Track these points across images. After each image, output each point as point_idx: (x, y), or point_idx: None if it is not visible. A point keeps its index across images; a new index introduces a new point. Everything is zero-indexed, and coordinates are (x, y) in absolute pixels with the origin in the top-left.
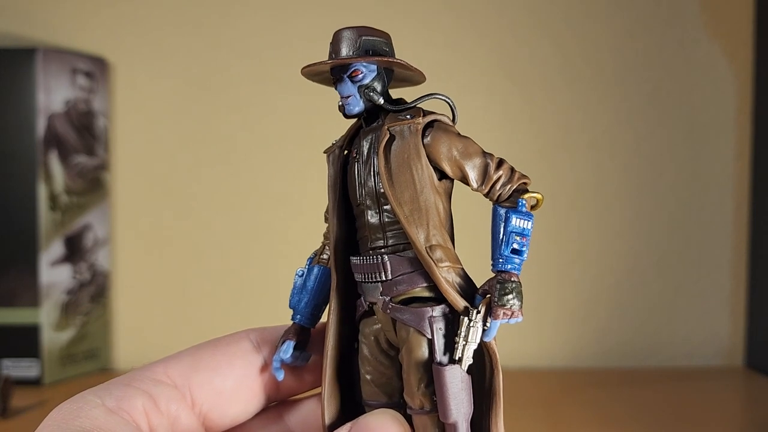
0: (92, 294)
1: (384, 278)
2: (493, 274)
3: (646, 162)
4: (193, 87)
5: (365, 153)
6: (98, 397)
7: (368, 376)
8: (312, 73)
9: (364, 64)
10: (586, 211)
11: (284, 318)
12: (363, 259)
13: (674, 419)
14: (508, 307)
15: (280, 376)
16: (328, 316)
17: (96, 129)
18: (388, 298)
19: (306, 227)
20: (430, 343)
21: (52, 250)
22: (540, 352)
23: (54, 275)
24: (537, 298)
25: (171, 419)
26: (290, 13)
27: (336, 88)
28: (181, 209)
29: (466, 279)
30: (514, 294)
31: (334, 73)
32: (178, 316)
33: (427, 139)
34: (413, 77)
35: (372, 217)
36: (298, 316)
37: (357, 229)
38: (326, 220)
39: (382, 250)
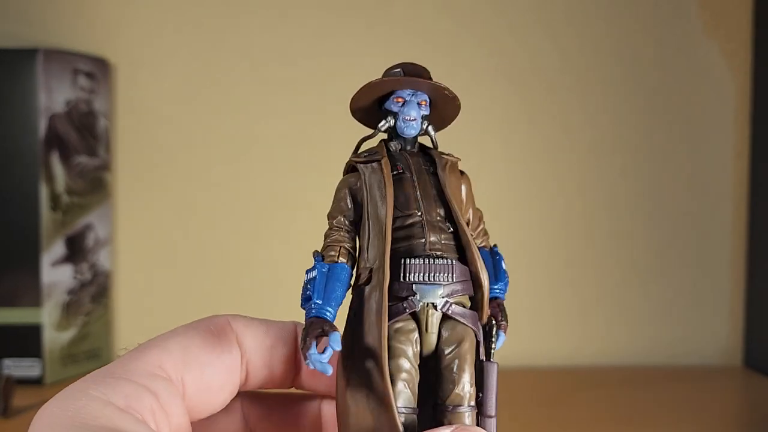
0: (93, 294)
1: (449, 281)
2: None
3: (646, 162)
4: (195, 88)
5: (416, 170)
6: (102, 394)
7: (405, 384)
8: (377, 88)
9: (426, 98)
10: (585, 211)
11: (289, 318)
12: (431, 261)
13: (673, 419)
14: (507, 324)
15: (330, 370)
16: (382, 318)
17: (97, 129)
18: (446, 300)
19: (310, 228)
20: (478, 345)
21: (53, 250)
22: (540, 351)
23: (55, 275)
24: (537, 297)
25: (170, 416)
26: (292, 13)
27: (400, 108)
28: (183, 209)
29: None
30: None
31: (405, 95)
32: (180, 316)
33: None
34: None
35: (431, 227)
36: (324, 310)
37: (406, 235)
38: (340, 224)
39: (445, 255)
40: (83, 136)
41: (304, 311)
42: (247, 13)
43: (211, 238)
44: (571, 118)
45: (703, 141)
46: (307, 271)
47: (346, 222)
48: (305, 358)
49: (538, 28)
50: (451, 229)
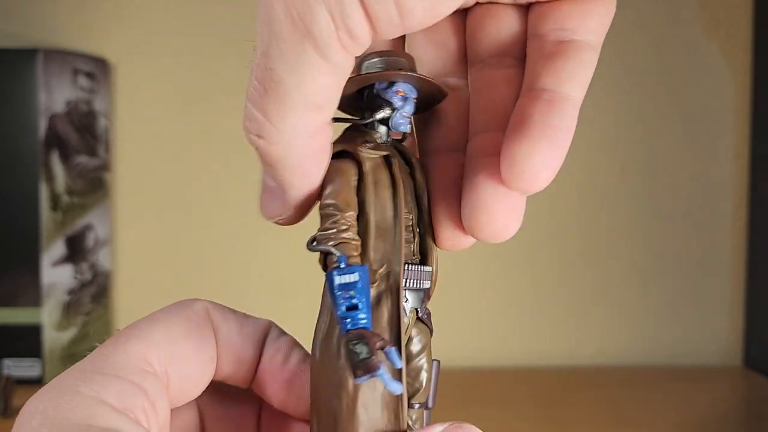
0: (93, 294)
1: (429, 286)
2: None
3: (645, 162)
4: (195, 87)
5: (402, 170)
6: (94, 392)
7: None
8: (377, 78)
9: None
10: (584, 211)
11: (288, 319)
12: (420, 267)
13: (673, 418)
14: None
15: (401, 388)
16: (401, 328)
17: (97, 129)
18: (424, 305)
19: (310, 228)
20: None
21: (53, 250)
22: (539, 351)
23: (55, 275)
24: (537, 297)
25: (158, 412)
26: None
27: (401, 102)
28: (182, 209)
29: None
30: None
31: (407, 89)
32: None
33: None
34: None
35: (414, 231)
36: (365, 321)
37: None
38: (351, 219)
39: (418, 260)
40: (83, 136)
41: (341, 320)
42: (248, 13)
43: (211, 238)
44: None
45: (703, 141)
46: (340, 274)
47: (354, 217)
48: (360, 375)
49: None
50: (420, 232)
